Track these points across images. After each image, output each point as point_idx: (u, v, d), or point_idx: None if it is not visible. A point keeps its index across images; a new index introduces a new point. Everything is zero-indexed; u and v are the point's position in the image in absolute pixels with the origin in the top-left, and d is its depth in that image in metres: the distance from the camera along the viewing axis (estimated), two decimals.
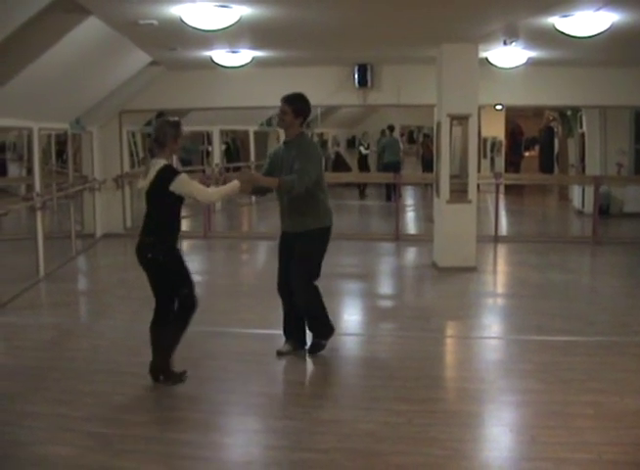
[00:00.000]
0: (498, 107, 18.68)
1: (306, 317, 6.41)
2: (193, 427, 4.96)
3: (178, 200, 5.56)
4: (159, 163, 5.52)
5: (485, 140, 21.22)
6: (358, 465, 4.40)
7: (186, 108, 14.53)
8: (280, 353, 6.39)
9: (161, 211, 5.59)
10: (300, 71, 12.21)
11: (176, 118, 5.83)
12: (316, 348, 6.41)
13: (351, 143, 26.52)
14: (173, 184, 5.45)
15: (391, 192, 17.82)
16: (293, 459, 4.48)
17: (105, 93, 11.50)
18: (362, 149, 22.60)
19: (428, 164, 19.68)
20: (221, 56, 10.66)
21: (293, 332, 6.48)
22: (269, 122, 19.37)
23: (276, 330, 6.92)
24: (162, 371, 5.66)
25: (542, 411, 5.19)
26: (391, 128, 21.29)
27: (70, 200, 11.61)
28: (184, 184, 5.49)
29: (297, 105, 6.30)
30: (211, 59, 10.75)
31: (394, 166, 18.86)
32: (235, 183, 5.82)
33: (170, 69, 12.29)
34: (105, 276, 10.81)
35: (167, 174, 5.48)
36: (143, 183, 5.60)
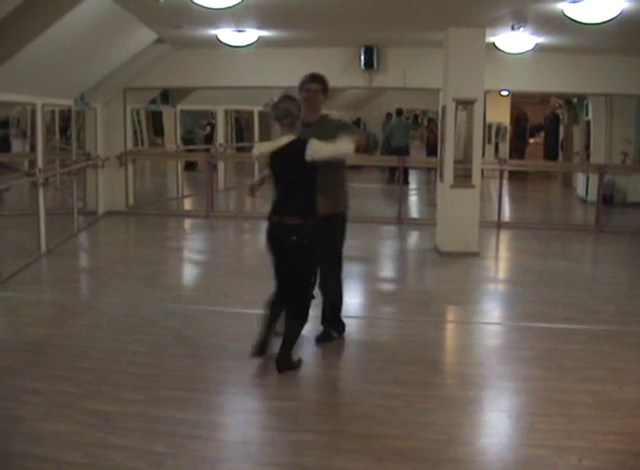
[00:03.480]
0: (504, 92, 18.63)
1: (331, 306, 6.32)
2: (191, 406, 4.96)
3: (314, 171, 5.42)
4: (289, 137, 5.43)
5: (490, 126, 21.16)
6: (355, 448, 4.40)
7: (190, 86, 14.50)
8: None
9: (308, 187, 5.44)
10: (306, 52, 12.15)
11: (289, 94, 5.73)
12: (327, 337, 6.34)
13: (356, 125, 26.39)
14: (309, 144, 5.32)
15: (395, 175, 17.81)
16: (290, 440, 4.48)
17: (109, 70, 11.44)
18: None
19: (432, 149, 19.61)
20: (227, 35, 10.59)
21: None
22: None
23: None
24: (288, 364, 5.58)
25: (541, 398, 5.19)
26: (400, 112, 21.14)
27: (73, 176, 11.59)
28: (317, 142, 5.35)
29: (326, 84, 6.11)
30: (217, 38, 10.69)
31: (402, 151, 18.52)
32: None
33: (176, 47, 12.23)
34: (106, 253, 10.81)
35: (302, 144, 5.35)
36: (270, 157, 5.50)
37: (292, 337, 5.61)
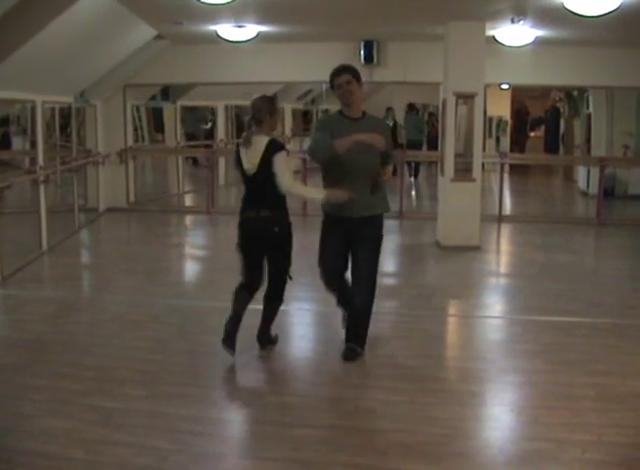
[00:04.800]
0: (504, 86, 18.59)
1: (362, 319, 5.81)
2: (194, 402, 4.97)
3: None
4: (262, 139, 5.49)
5: (491, 119, 21.11)
6: (359, 443, 4.40)
7: (190, 82, 14.47)
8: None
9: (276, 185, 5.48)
10: (306, 47, 12.15)
11: (270, 94, 5.85)
12: (354, 355, 5.79)
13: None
14: (276, 156, 5.43)
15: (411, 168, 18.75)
16: (293, 435, 4.48)
17: (109, 67, 11.44)
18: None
19: (433, 142, 19.61)
20: (227, 30, 10.58)
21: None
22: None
23: None
24: (267, 339, 5.98)
25: (544, 392, 5.19)
26: (412, 107, 21.08)
27: (74, 173, 11.59)
28: (280, 161, 5.43)
29: (357, 73, 5.77)
30: (217, 33, 10.67)
31: (417, 145, 19.15)
32: (321, 191, 5.68)
33: (175, 43, 12.21)
34: (107, 250, 10.82)
35: (275, 145, 5.50)
36: (249, 165, 5.53)
37: (272, 316, 5.93)
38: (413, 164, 19.10)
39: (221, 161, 16.94)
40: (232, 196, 16.52)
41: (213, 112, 19.00)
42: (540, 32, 10.45)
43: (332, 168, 5.63)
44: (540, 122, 24.15)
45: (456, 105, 10.24)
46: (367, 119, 5.79)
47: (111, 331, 6.51)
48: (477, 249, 10.22)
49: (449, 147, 10.33)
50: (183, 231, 12.81)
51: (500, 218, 12.79)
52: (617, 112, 15.69)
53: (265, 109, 5.58)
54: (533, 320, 6.95)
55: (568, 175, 19.28)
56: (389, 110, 21.04)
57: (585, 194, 15.91)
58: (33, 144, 10.39)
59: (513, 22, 9.52)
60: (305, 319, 7.24)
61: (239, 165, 5.64)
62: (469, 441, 4.48)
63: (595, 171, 14.22)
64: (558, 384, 5.30)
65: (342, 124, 5.66)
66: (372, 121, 5.84)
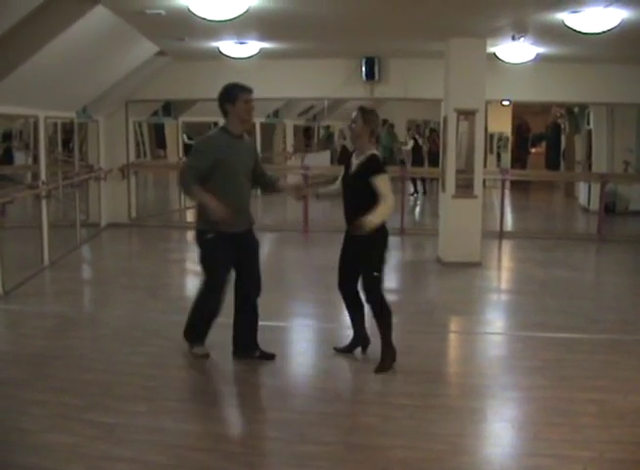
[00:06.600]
0: (505, 102, 18.64)
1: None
2: (194, 417, 4.97)
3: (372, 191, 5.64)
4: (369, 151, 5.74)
5: (492, 135, 21.16)
6: (359, 458, 4.40)
7: (192, 98, 14.53)
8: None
9: (366, 196, 5.63)
10: (308, 64, 12.22)
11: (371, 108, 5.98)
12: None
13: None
14: (376, 177, 5.60)
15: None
16: (293, 451, 4.48)
17: (111, 82, 11.48)
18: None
19: (434, 159, 19.62)
20: (229, 47, 10.64)
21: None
22: (276, 114, 19.35)
23: (278, 322, 6.96)
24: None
25: (545, 408, 5.18)
26: (384, 122, 20.93)
27: (76, 189, 11.61)
28: (383, 182, 5.63)
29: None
30: (219, 50, 10.73)
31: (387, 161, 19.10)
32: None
33: (177, 59, 12.28)
34: (109, 265, 10.82)
35: (375, 165, 5.68)
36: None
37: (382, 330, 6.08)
38: (419, 181, 19.22)
39: None
40: None
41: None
42: (541, 49, 10.50)
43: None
44: (541, 139, 24.22)
45: (457, 121, 10.27)
46: (245, 139, 5.99)
47: (112, 346, 6.51)
48: (478, 265, 10.23)
49: (450, 163, 10.35)
50: (184, 247, 12.79)
51: (501, 235, 12.81)
52: (617, 128, 15.74)
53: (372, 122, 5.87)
54: (534, 336, 6.95)
55: (569, 192, 19.31)
56: (385, 122, 20.95)
57: (586, 210, 15.93)
58: (35, 159, 10.41)
59: (514, 39, 9.57)
60: (306, 335, 7.23)
61: None
62: (469, 457, 4.47)
63: (596, 188, 14.25)
64: (558, 400, 5.29)
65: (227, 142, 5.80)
66: (248, 142, 6.06)
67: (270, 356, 6.05)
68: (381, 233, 5.71)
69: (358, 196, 5.73)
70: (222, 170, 5.66)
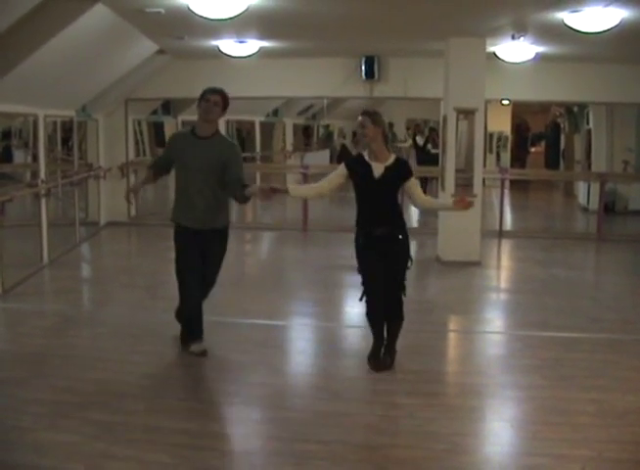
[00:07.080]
0: (505, 102, 18.62)
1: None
2: (193, 416, 4.96)
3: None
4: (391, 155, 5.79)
5: (491, 135, 21.13)
6: (359, 458, 4.40)
7: (192, 97, 14.46)
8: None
9: (396, 198, 5.89)
10: (307, 63, 12.21)
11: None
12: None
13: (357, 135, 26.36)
14: (411, 180, 5.80)
15: None
16: (293, 450, 4.47)
17: (111, 81, 11.48)
18: (418, 139, 20.53)
19: (434, 158, 19.57)
20: (228, 46, 10.63)
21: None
22: (275, 113, 19.35)
23: (277, 321, 6.95)
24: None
25: (544, 407, 5.18)
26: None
27: (75, 187, 11.60)
28: (415, 185, 5.86)
29: (227, 98, 6.13)
30: (219, 48, 10.73)
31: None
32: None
33: (177, 57, 12.27)
34: (108, 264, 10.82)
35: (409, 168, 5.87)
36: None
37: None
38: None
39: None
40: (232, 210, 16.52)
41: None
42: (541, 49, 10.50)
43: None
44: (541, 138, 24.18)
45: (457, 120, 10.27)
46: (217, 140, 6.09)
47: (110, 345, 6.51)
48: (477, 264, 10.23)
49: (450, 162, 10.35)
50: None
51: (500, 234, 12.80)
52: (617, 127, 15.72)
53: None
54: (533, 336, 6.95)
55: (568, 191, 19.29)
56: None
57: (586, 209, 15.91)
58: (35, 157, 10.41)
59: (513, 38, 9.57)
60: (305, 334, 7.23)
61: None
62: (468, 456, 4.47)
63: (595, 187, 14.23)
64: (557, 399, 5.29)
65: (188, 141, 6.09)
66: (217, 145, 6.06)
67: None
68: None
69: (390, 197, 5.83)
70: (177, 167, 6.19)
